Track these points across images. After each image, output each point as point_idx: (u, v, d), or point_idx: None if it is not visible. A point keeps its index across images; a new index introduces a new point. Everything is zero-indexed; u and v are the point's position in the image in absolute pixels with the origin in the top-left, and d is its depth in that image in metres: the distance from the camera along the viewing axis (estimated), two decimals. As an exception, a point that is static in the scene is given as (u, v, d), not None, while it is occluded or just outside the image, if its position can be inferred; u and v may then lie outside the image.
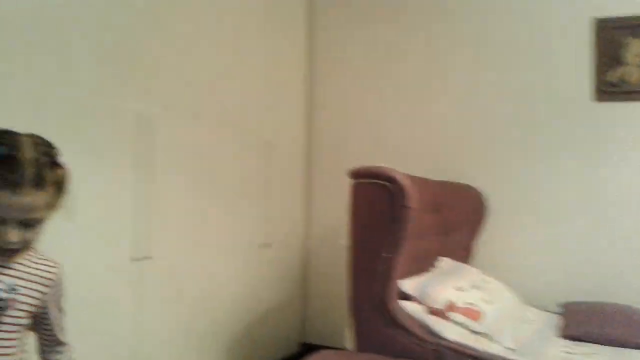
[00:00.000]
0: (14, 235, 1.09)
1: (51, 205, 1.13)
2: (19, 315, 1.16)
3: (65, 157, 1.99)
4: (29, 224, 1.11)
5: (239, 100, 3.03)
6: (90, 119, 2.15)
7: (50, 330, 1.29)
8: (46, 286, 1.21)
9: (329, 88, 3.79)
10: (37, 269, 1.19)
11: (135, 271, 2.35)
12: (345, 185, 2.40)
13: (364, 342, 2.31)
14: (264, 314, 3.26)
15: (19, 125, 1.19)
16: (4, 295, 1.12)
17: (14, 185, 1.06)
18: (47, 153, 1.14)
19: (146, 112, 2.39)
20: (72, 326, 2.03)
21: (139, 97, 2.37)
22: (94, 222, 2.17)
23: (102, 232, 2.21)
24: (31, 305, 1.18)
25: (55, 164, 1.14)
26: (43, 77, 1.97)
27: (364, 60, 3.69)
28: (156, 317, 2.46)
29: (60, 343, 1.35)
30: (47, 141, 1.17)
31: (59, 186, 1.15)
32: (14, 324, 1.15)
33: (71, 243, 2.07)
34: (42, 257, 1.25)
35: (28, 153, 1.09)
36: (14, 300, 1.14)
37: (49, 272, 1.22)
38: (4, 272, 1.14)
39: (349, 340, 2.73)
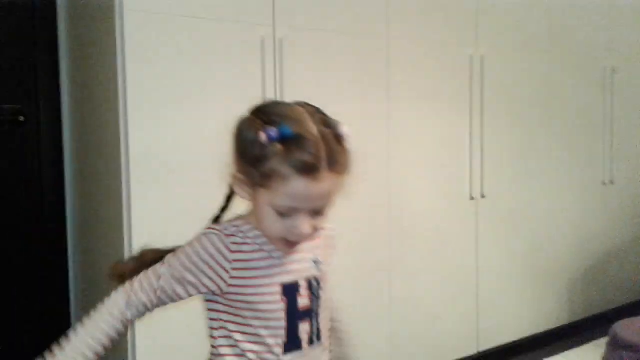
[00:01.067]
0: (307, 227, 0.93)
1: (341, 185, 0.95)
2: (328, 288, 1.06)
3: (404, 101, 2.22)
4: (320, 211, 0.94)
5: (574, 22, 2.78)
6: (426, 66, 2.25)
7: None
8: (333, 248, 1.10)
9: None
10: (323, 235, 1.04)
11: (472, 209, 2.43)
12: None
13: None
14: (608, 256, 3.03)
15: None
16: (315, 272, 1.02)
17: (310, 170, 0.88)
18: (327, 123, 0.94)
19: (478, 54, 2.40)
20: (418, 257, 2.27)
21: (470, 39, 2.38)
22: (437, 162, 2.30)
23: (444, 173, 2.34)
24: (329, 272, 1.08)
25: (339, 137, 0.94)
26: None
27: None
28: (493, 252, 2.52)
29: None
30: (318, 108, 0.97)
31: (347, 161, 0.95)
32: (328, 300, 1.06)
33: (420, 180, 2.24)
34: None
35: (313, 128, 0.90)
36: (324, 274, 1.04)
37: (332, 233, 1.09)
38: (303, 250, 1.01)
39: None
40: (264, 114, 0.93)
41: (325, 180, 0.89)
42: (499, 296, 2.55)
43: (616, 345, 1.65)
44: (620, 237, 3.11)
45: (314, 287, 1.02)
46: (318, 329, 1.02)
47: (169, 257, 0.98)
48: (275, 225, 0.93)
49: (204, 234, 0.97)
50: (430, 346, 2.32)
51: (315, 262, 1.03)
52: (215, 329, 1.00)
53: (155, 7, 1.65)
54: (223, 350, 0.99)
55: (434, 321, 2.33)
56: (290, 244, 0.96)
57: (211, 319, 1.00)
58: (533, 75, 2.63)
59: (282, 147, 0.87)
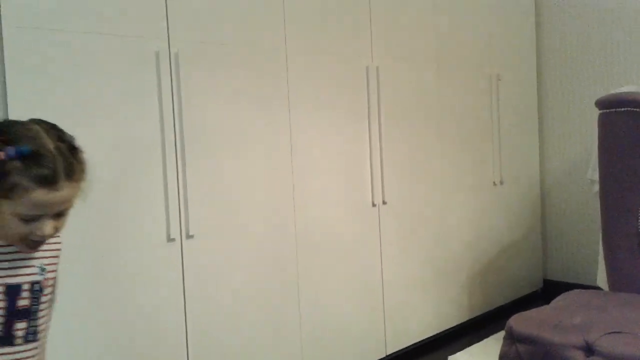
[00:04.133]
0: (49, 229, 1.05)
1: (80, 191, 1.08)
2: (50, 292, 1.18)
3: (300, 115, 2.25)
4: (61, 213, 1.07)
5: (461, 34, 2.94)
6: (325, 77, 2.29)
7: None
8: (58, 257, 1.22)
9: (560, 7, 3.47)
10: (49, 242, 1.16)
11: (375, 215, 2.50)
12: (583, 114, 2.22)
13: (618, 280, 2.16)
14: (502, 252, 3.22)
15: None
16: (39, 277, 1.14)
17: (49, 182, 1.00)
18: (61, 138, 1.06)
19: (372, 65, 2.47)
20: (324, 262, 2.30)
21: (366, 51, 2.45)
22: (338, 170, 2.34)
23: (347, 182, 2.38)
24: (54, 279, 1.20)
25: (73, 149, 1.06)
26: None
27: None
28: (396, 257, 2.60)
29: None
30: (54, 124, 1.08)
31: (83, 170, 1.08)
32: (48, 302, 1.17)
33: (319, 193, 2.27)
34: None
35: (49, 143, 1.02)
36: (46, 279, 1.16)
37: (57, 242, 1.20)
38: (34, 257, 1.13)
39: (601, 279, 2.58)
40: (2, 133, 1.02)
41: (64, 189, 1.02)
42: (404, 299, 2.64)
43: (512, 338, 1.74)
44: (511, 234, 3.31)
45: (35, 291, 1.13)
46: (35, 328, 1.13)
47: None
48: (18, 230, 1.04)
49: None
50: (340, 354, 2.35)
51: (42, 268, 1.15)
52: None
53: (38, 22, 1.55)
54: None
55: (343, 330, 2.36)
56: (32, 244, 1.07)
57: None
58: (425, 84, 2.75)
59: (22, 163, 0.99)
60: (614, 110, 2.14)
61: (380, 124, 2.51)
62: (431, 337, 2.78)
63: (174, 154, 1.83)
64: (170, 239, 1.82)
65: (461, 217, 2.96)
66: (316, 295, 2.27)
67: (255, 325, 2.06)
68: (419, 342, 2.71)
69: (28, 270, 1.13)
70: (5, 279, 1.09)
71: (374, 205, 2.50)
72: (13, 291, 1.10)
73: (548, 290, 3.49)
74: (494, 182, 3.16)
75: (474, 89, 3.04)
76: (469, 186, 3.01)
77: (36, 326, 1.14)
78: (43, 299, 1.15)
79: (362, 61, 2.44)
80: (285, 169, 2.16)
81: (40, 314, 1.14)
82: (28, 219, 1.03)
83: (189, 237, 1.86)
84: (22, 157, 0.99)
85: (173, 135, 1.82)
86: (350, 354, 2.39)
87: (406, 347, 2.64)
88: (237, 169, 2.01)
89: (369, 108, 2.47)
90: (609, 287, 2.20)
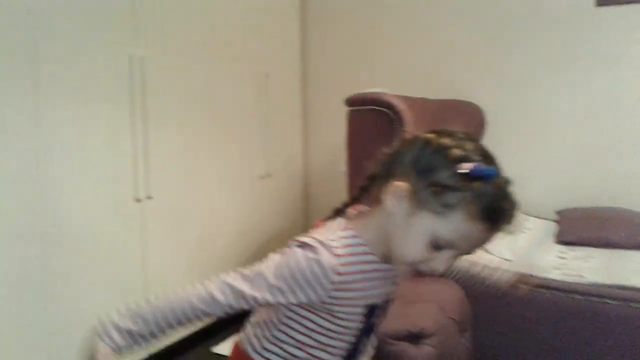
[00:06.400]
0: (443, 266, 0.87)
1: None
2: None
3: (59, 101, 2.05)
4: (462, 255, 0.90)
5: (232, 33, 2.96)
6: (82, 66, 2.12)
7: None
8: None
9: (323, 14, 3.71)
10: None
11: (138, 211, 2.39)
12: (342, 112, 2.41)
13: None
14: (267, 241, 3.34)
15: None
16: (391, 295, 1.04)
17: (496, 221, 0.84)
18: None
19: (138, 54, 2.36)
20: (80, 263, 2.14)
21: (131, 40, 2.33)
22: (98, 165, 2.20)
23: (105, 174, 2.24)
24: None
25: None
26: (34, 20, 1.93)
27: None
28: (161, 254, 2.54)
29: None
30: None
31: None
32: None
33: (79, 186, 2.11)
34: None
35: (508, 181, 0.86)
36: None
37: None
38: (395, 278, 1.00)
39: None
40: (455, 139, 0.88)
41: (497, 234, 0.86)
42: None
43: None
44: (279, 225, 3.45)
45: (384, 308, 1.03)
46: (369, 344, 1.06)
47: (266, 265, 0.93)
48: (418, 253, 0.87)
49: (312, 250, 0.90)
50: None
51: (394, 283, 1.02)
52: (280, 321, 0.98)
53: None
54: (281, 337, 0.99)
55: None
56: (413, 273, 0.93)
57: (278, 309, 0.98)
58: (195, 78, 2.72)
59: (481, 187, 0.81)
60: (359, 108, 2.34)
61: (147, 116, 2.41)
62: (196, 331, 2.76)
63: None
64: None
65: (230, 210, 3.00)
66: (73, 300, 2.11)
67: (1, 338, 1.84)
68: (183, 338, 2.67)
69: (386, 290, 1.00)
70: (369, 299, 0.97)
71: (138, 201, 2.39)
72: (371, 311, 0.99)
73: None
74: (261, 175, 3.26)
75: (244, 85, 3.10)
76: (238, 180, 3.07)
77: (371, 343, 1.07)
78: (383, 316, 1.07)
79: (127, 50, 2.31)
80: (33, 165, 1.96)
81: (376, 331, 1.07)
82: (438, 247, 0.85)
83: None
84: (483, 179, 0.82)
85: None
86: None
87: (169, 345, 2.59)
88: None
89: (132, 98, 2.35)
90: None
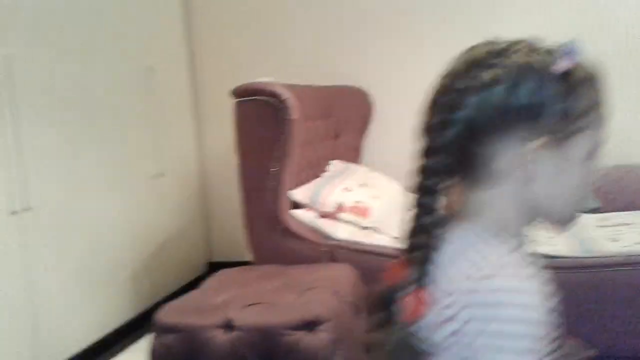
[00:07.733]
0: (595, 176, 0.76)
1: None
2: None
3: None
4: None
5: (107, 25, 2.82)
6: None
7: None
8: None
9: (209, 3, 3.62)
10: None
11: (15, 224, 2.23)
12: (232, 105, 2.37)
13: (261, 255, 2.38)
14: (165, 241, 3.24)
15: None
16: None
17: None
18: None
19: (1, 52, 2.19)
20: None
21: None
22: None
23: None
24: None
25: None
26: None
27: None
28: (47, 268, 2.38)
29: None
30: None
31: None
32: None
33: None
34: None
35: None
36: None
37: None
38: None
39: (248, 255, 2.81)
40: (498, 44, 0.74)
41: None
42: (61, 310, 2.43)
43: (159, 331, 1.74)
44: (173, 224, 3.36)
45: None
46: None
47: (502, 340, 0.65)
48: (587, 186, 0.75)
49: (521, 282, 0.67)
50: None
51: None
52: None
53: None
54: None
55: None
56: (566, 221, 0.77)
57: None
58: (70, 75, 2.56)
59: (581, 64, 0.71)
60: (245, 99, 2.31)
61: (19, 121, 2.24)
62: (96, 341, 2.63)
63: None
64: None
65: (121, 212, 2.88)
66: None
67: None
68: (82, 350, 2.54)
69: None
70: None
71: (13, 213, 2.22)
72: None
73: (212, 272, 3.66)
74: (152, 175, 3.15)
75: (127, 81, 2.97)
76: (127, 181, 2.94)
77: None
78: None
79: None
80: None
81: None
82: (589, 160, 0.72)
83: None
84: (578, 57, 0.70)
85: None
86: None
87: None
88: None
89: (1, 101, 2.17)
90: (254, 261, 2.40)
